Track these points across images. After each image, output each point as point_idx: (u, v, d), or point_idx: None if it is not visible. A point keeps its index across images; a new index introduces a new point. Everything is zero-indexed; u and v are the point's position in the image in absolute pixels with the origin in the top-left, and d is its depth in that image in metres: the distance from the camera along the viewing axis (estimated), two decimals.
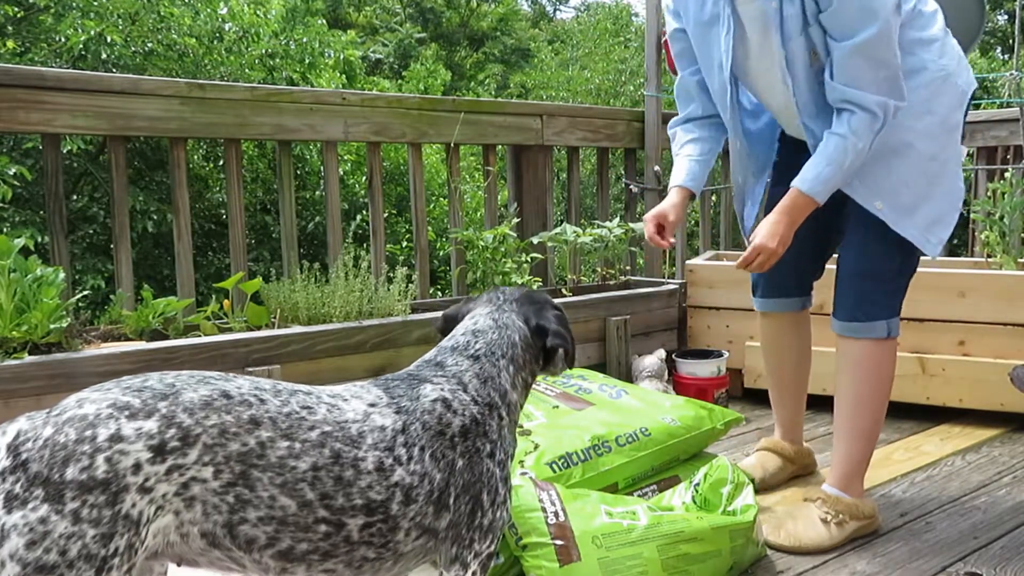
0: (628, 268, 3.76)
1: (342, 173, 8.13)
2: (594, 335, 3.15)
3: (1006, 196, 3.14)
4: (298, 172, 8.50)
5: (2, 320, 2.10)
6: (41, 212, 7.04)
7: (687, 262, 3.52)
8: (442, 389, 1.28)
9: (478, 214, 5.89)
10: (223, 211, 8.09)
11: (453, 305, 1.56)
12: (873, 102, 1.81)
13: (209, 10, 8.87)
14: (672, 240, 2.11)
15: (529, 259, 3.15)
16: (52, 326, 2.16)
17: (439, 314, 1.55)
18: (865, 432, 2.04)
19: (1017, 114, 3.48)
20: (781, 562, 1.90)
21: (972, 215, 3.54)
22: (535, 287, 3.07)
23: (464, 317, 1.46)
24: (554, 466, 1.95)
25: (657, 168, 3.76)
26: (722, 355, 3.11)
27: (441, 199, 8.51)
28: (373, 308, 2.73)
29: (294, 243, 2.94)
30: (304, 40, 9.52)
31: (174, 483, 1.06)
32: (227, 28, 9.13)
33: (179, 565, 1.16)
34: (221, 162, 8.24)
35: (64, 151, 6.09)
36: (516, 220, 3.25)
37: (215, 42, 8.97)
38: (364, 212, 7.65)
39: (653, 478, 2.16)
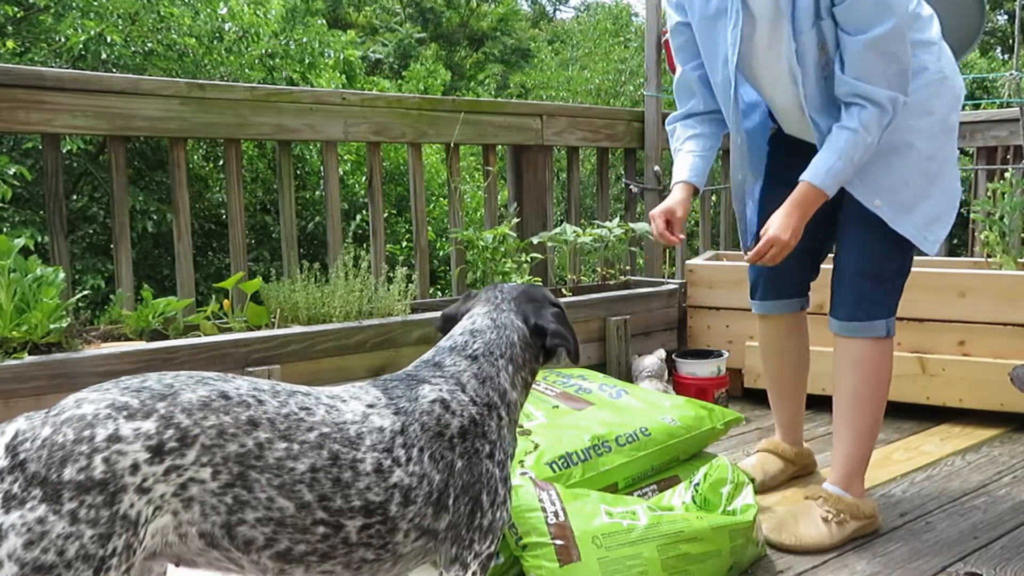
0: (628, 268, 3.76)
1: (342, 173, 8.13)
2: (594, 335, 3.15)
3: (1006, 196, 3.14)
4: (298, 172, 8.50)
5: (2, 320, 2.10)
6: (41, 212, 7.05)
7: (687, 262, 3.52)
8: (440, 390, 1.28)
9: (478, 214, 5.89)
10: (223, 211, 8.09)
11: (452, 304, 1.55)
12: (884, 96, 1.82)
13: (209, 10, 8.87)
14: (681, 236, 2.11)
15: (529, 259, 3.15)
16: (52, 326, 2.16)
17: (439, 314, 1.55)
18: (865, 431, 2.05)
19: (1017, 114, 3.48)
20: (781, 562, 1.90)
21: (972, 215, 3.54)
22: None
23: (463, 316, 1.46)
24: (554, 466, 1.95)
25: (657, 168, 3.76)
26: (722, 355, 3.11)
27: (441, 199, 8.51)
28: (373, 308, 2.73)
29: (294, 243, 2.94)
30: (304, 40, 9.52)
31: (172, 484, 1.06)
32: (227, 28, 9.13)
33: (177, 565, 1.16)
34: (221, 162, 8.24)
35: (64, 151, 6.09)
36: (516, 220, 3.25)
37: (215, 42, 8.97)
38: (364, 212, 7.65)
39: (653, 478, 2.15)
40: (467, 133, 3.25)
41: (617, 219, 3.51)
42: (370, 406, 1.23)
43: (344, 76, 9.98)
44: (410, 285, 2.83)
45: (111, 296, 2.59)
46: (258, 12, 9.29)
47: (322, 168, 4.35)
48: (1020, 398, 2.59)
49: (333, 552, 1.17)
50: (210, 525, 1.09)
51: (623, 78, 14.07)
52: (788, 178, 2.07)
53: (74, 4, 8.25)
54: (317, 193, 8.82)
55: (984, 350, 2.85)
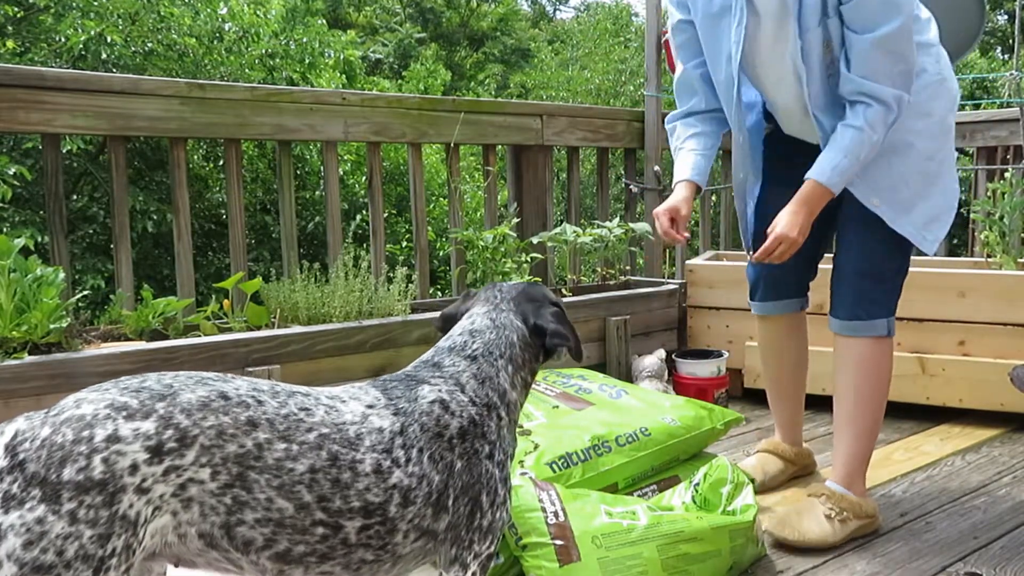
0: (628, 268, 3.76)
1: (342, 173, 8.13)
2: (594, 335, 3.15)
3: (1006, 196, 3.14)
4: (298, 172, 8.50)
5: (2, 320, 2.10)
6: (41, 212, 7.05)
7: (687, 262, 3.52)
8: (439, 390, 1.28)
9: (478, 214, 5.89)
10: (223, 211, 8.09)
11: (452, 304, 1.55)
12: (890, 95, 1.84)
13: (209, 10, 8.87)
14: (686, 234, 2.11)
15: (529, 259, 3.15)
16: (52, 326, 2.16)
17: (439, 314, 1.55)
18: (867, 430, 2.05)
19: (1017, 114, 3.48)
20: (781, 562, 1.90)
21: (972, 215, 3.54)
22: None
23: (462, 316, 1.45)
24: (554, 466, 1.95)
25: (657, 168, 3.76)
26: (722, 355, 3.11)
27: (441, 199, 8.51)
28: (373, 308, 2.73)
29: (294, 243, 2.94)
30: (304, 40, 9.52)
31: (171, 484, 1.06)
32: (227, 28, 9.13)
33: (177, 566, 1.16)
34: (221, 162, 8.24)
35: (64, 151, 6.09)
36: (516, 220, 3.25)
37: (215, 42, 8.97)
38: (364, 212, 7.65)
39: (653, 478, 2.15)
40: (467, 133, 3.25)
41: (617, 219, 3.51)
42: (369, 407, 1.23)
43: (344, 76, 9.98)
44: (410, 285, 2.83)
45: (111, 296, 2.59)
46: (258, 12, 9.29)
47: (322, 168, 4.35)
48: (1020, 398, 2.59)
49: (332, 553, 1.17)
50: (209, 525, 1.09)
51: (623, 78, 14.07)
52: (786, 178, 2.08)
53: (74, 4, 8.25)
54: (317, 193, 8.82)
55: (984, 350, 2.85)
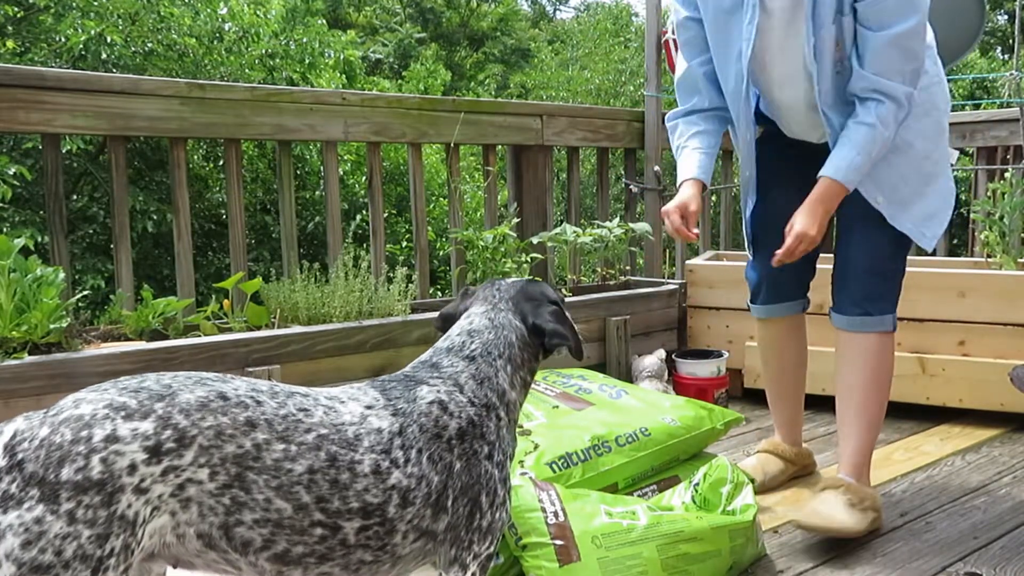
0: (628, 268, 3.76)
1: (342, 173, 8.13)
2: (594, 335, 3.15)
3: (1006, 196, 3.14)
4: (298, 172, 8.50)
5: (2, 320, 2.10)
6: (41, 212, 7.05)
7: (687, 262, 3.52)
8: (438, 391, 1.27)
9: (478, 214, 5.89)
10: (223, 211, 8.10)
11: (451, 302, 1.54)
12: (901, 92, 1.86)
13: (209, 10, 8.87)
14: (697, 231, 2.11)
15: (529, 259, 3.15)
16: (52, 326, 2.16)
17: (438, 313, 1.54)
18: (873, 423, 2.07)
19: (1017, 114, 3.48)
20: (781, 562, 1.90)
21: (972, 215, 3.54)
22: None
23: (461, 315, 1.45)
24: (554, 466, 1.95)
25: (657, 168, 3.76)
26: (722, 355, 3.11)
27: (441, 199, 8.51)
28: (373, 308, 2.73)
29: (294, 243, 2.94)
30: (304, 40, 9.52)
31: (170, 484, 1.06)
32: (227, 28, 9.13)
33: (175, 567, 1.16)
34: (221, 162, 8.24)
35: (64, 151, 6.09)
36: (516, 220, 3.25)
37: (215, 42, 8.97)
38: (364, 212, 7.65)
39: (653, 478, 2.15)
40: (467, 133, 3.25)
41: (617, 219, 3.51)
42: (368, 407, 1.23)
43: (344, 76, 9.98)
44: (410, 285, 2.83)
45: (111, 296, 2.59)
46: (258, 12, 9.29)
47: (322, 168, 4.35)
48: (1020, 398, 2.59)
49: (331, 554, 1.16)
50: (208, 526, 1.09)
51: (623, 78, 14.07)
52: (783, 179, 2.09)
53: (74, 4, 8.25)
54: (317, 193, 8.82)
55: (984, 350, 2.85)
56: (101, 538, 1.00)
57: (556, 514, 1.68)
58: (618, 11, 18.81)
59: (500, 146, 3.53)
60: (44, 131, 2.47)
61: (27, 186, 6.88)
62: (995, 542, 1.98)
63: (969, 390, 2.86)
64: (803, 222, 1.91)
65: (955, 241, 4.32)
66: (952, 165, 2.16)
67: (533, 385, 1.98)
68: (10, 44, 7.80)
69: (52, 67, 5.63)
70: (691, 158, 2.11)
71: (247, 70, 8.98)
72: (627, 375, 3.14)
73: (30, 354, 2.12)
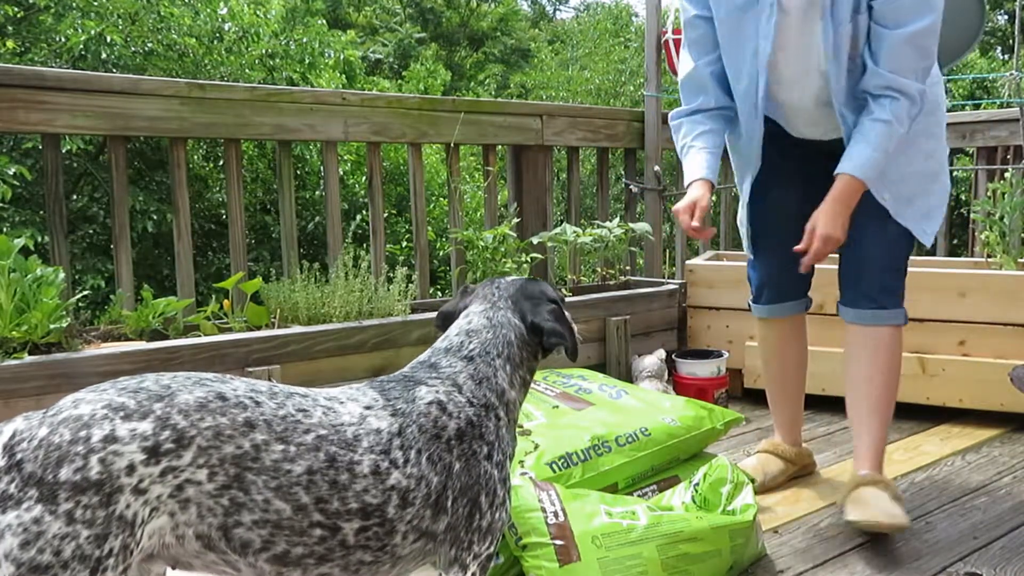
0: (628, 268, 3.76)
1: (342, 173, 8.13)
2: (594, 335, 3.15)
3: (1006, 196, 3.14)
4: (298, 172, 8.51)
5: (2, 320, 2.10)
6: (41, 212, 7.05)
7: (687, 262, 3.52)
8: (437, 391, 1.27)
9: (478, 214, 5.89)
10: (223, 211, 8.10)
11: (450, 300, 1.54)
12: (915, 89, 1.88)
13: (209, 10, 8.87)
14: (712, 229, 2.10)
15: (529, 259, 3.15)
16: (52, 326, 2.16)
17: (437, 311, 1.54)
18: (888, 416, 2.10)
19: (1017, 114, 3.48)
20: (781, 562, 1.90)
21: (972, 215, 3.54)
22: None
23: (460, 313, 1.45)
24: (554, 466, 1.95)
25: (657, 168, 3.76)
26: (722, 355, 3.11)
27: (441, 199, 8.51)
28: (373, 308, 2.73)
29: (294, 243, 2.94)
30: (304, 40, 9.52)
31: (168, 485, 1.06)
32: (227, 28, 9.13)
33: (174, 568, 1.15)
34: (221, 162, 8.24)
35: (64, 151, 6.09)
36: (516, 220, 3.25)
37: (215, 42, 8.97)
38: (364, 212, 7.65)
39: (653, 478, 2.15)
40: (467, 133, 3.25)
41: (617, 219, 3.51)
42: (367, 408, 1.22)
43: (344, 76, 9.98)
44: (410, 285, 2.83)
45: (111, 296, 2.59)
46: (258, 12, 9.29)
47: (322, 168, 4.35)
48: (1020, 398, 2.59)
49: (331, 554, 1.16)
50: (207, 527, 1.09)
51: (623, 78, 14.08)
52: (783, 179, 2.10)
53: (74, 4, 8.25)
54: (317, 193, 8.82)
55: (984, 350, 2.85)
56: (100, 538, 1.00)
57: (556, 514, 1.68)
58: (618, 11, 18.82)
59: (500, 146, 3.53)
60: (44, 131, 2.47)
61: (27, 186, 6.89)
62: (995, 542, 1.98)
63: (969, 390, 2.86)
64: (827, 223, 1.92)
65: (955, 241, 4.32)
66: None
67: (533, 385, 1.98)
68: (10, 44, 7.81)
69: (52, 67, 5.63)
70: (698, 158, 2.10)
71: (247, 70, 8.98)
72: (627, 375, 3.14)
73: (30, 354, 2.12)
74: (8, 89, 2.34)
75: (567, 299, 3.10)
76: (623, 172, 3.95)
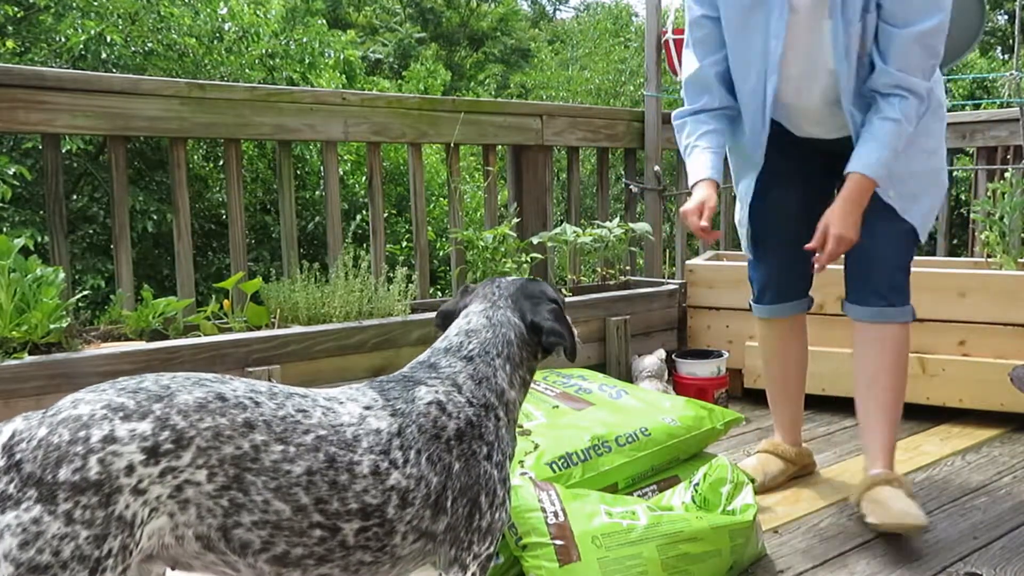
0: (628, 268, 3.76)
1: (342, 173, 8.13)
2: (594, 335, 3.15)
3: (1006, 196, 3.14)
4: (298, 172, 8.50)
5: (2, 320, 2.10)
6: (41, 212, 7.05)
7: (687, 262, 3.51)
8: (436, 392, 1.27)
9: (478, 214, 5.89)
10: (223, 211, 8.10)
11: (450, 299, 1.54)
12: (923, 88, 1.89)
13: (209, 10, 8.87)
14: (719, 231, 2.11)
15: (529, 259, 3.15)
16: (52, 326, 2.16)
17: (438, 310, 1.54)
18: (898, 413, 2.11)
19: (1017, 114, 3.48)
20: (781, 562, 1.90)
21: (972, 215, 3.54)
22: None
23: (460, 312, 1.44)
24: (554, 466, 1.95)
25: (657, 168, 3.76)
26: (722, 355, 3.11)
27: (441, 199, 8.51)
28: (373, 308, 2.73)
29: (294, 243, 2.94)
30: (304, 40, 9.52)
31: (168, 485, 1.06)
32: (227, 28, 9.13)
33: (174, 568, 1.15)
34: (221, 162, 8.24)
35: (64, 151, 6.09)
36: (516, 220, 3.25)
37: (215, 42, 8.97)
38: (364, 212, 7.65)
39: (653, 478, 2.15)
40: (467, 133, 3.25)
41: (617, 219, 3.51)
42: (367, 408, 1.22)
43: (344, 76, 9.98)
44: (410, 285, 2.83)
45: (111, 296, 2.59)
46: (258, 12, 9.29)
47: (322, 168, 4.35)
48: (1020, 398, 2.59)
49: (330, 555, 1.16)
50: (206, 528, 1.09)
51: (623, 78, 14.08)
52: (785, 179, 2.10)
53: (74, 4, 8.25)
54: (317, 193, 8.82)
55: (984, 350, 2.85)
56: (99, 539, 1.00)
57: (556, 514, 1.68)
58: (618, 11, 18.82)
59: (500, 146, 3.53)
60: (44, 131, 2.47)
61: (27, 186, 6.89)
62: (995, 542, 1.98)
63: (969, 390, 2.86)
64: (841, 223, 1.93)
65: (955, 241, 4.32)
66: None
67: (533, 385, 1.98)
68: (10, 44, 7.81)
69: (52, 67, 5.63)
70: (702, 157, 2.09)
71: (247, 70, 8.98)
72: (627, 375, 3.14)
73: (30, 354, 2.12)
74: (8, 89, 2.34)
75: (567, 299, 3.11)
76: (623, 172, 3.95)
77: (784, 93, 2.06)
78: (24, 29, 8.54)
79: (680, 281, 3.52)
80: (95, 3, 8.24)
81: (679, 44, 3.57)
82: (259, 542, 1.12)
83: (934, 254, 3.82)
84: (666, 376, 3.05)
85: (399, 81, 13.26)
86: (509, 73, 18.03)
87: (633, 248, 3.72)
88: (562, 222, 3.51)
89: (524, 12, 22.48)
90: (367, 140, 3.08)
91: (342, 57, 10.08)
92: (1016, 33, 3.62)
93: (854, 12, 1.88)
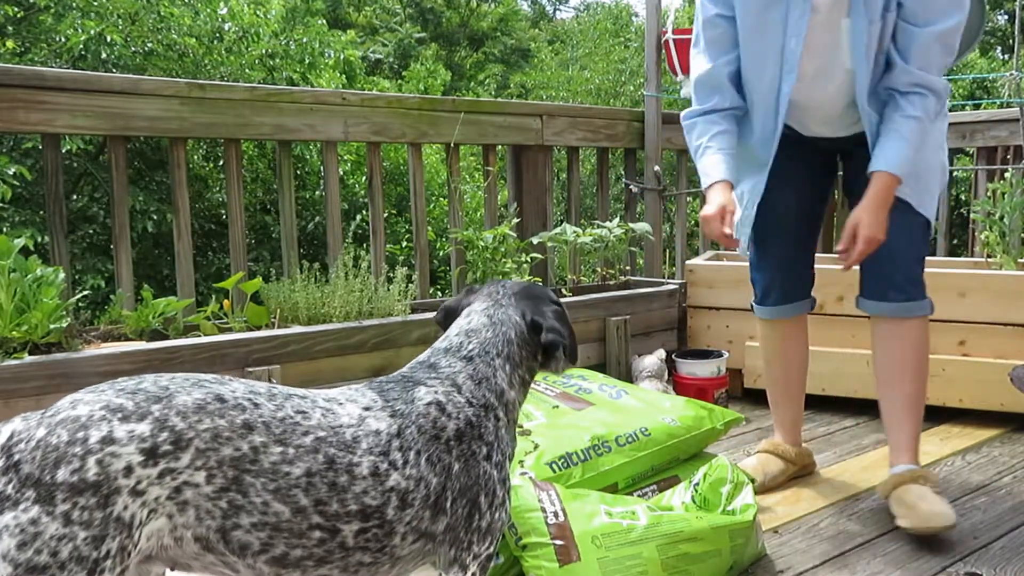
0: (628, 268, 3.76)
1: (342, 173, 8.13)
2: (594, 335, 3.15)
3: (1006, 196, 3.14)
4: (298, 172, 8.50)
5: (2, 320, 2.10)
6: (41, 212, 7.05)
7: (687, 262, 3.51)
8: (436, 392, 1.27)
9: (478, 214, 5.89)
10: (223, 211, 8.10)
11: (454, 297, 1.53)
12: (941, 85, 1.92)
13: (209, 10, 8.87)
14: (740, 239, 2.09)
15: (529, 259, 3.15)
16: (52, 326, 2.16)
17: (441, 306, 1.53)
18: (922, 408, 2.12)
19: (1017, 114, 3.48)
20: (781, 561, 1.90)
21: (972, 215, 3.54)
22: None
23: (463, 310, 1.44)
24: (554, 466, 1.95)
25: (657, 168, 3.76)
26: (722, 355, 3.11)
27: (441, 199, 8.51)
28: (373, 308, 2.73)
29: (294, 243, 2.94)
30: (304, 40, 9.52)
31: (166, 487, 1.05)
32: (227, 28, 9.13)
33: (173, 569, 1.15)
34: (221, 162, 8.24)
35: (64, 151, 6.09)
36: (516, 220, 3.25)
37: (215, 42, 8.97)
38: (364, 212, 7.65)
39: (653, 478, 2.15)
40: (467, 133, 3.25)
41: (617, 219, 3.51)
42: (366, 409, 1.22)
43: (344, 76, 9.98)
44: (410, 285, 2.83)
45: (111, 296, 2.60)
46: (258, 12, 9.29)
47: (322, 168, 4.35)
48: (1020, 398, 2.59)
49: (330, 556, 1.16)
50: (205, 529, 1.09)
51: (623, 78, 14.08)
52: (791, 178, 2.13)
53: (74, 4, 8.25)
54: (317, 193, 8.82)
55: (984, 350, 2.85)
56: (97, 540, 1.00)
57: (556, 514, 1.68)
58: (618, 11, 18.82)
59: (500, 146, 3.53)
60: (44, 131, 2.47)
61: (27, 186, 6.89)
62: (995, 542, 1.98)
63: (969, 390, 2.86)
64: (872, 224, 1.93)
65: (955, 241, 4.32)
66: None
67: (533, 385, 1.98)
68: (10, 44, 7.81)
69: (52, 67, 5.63)
70: (715, 159, 2.06)
71: (247, 70, 8.98)
72: (627, 375, 3.14)
73: (30, 354, 2.12)
74: (8, 89, 2.34)
75: (567, 299, 3.11)
76: (623, 172, 3.95)
77: (797, 92, 2.05)
78: (24, 29, 8.54)
79: (680, 281, 3.52)
80: (95, 3, 8.24)
81: (679, 44, 3.57)
82: (258, 543, 1.12)
83: (934, 254, 3.82)
84: (666, 376, 3.05)
85: (399, 81, 13.26)
86: (509, 73, 18.03)
87: (633, 248, 3.72)
88: (562, 222, 3.51)
89: (524, 12, 22.48)
90: (367, 140, 3.08)
91: (342, 57, 10.08)
92: (1016, 33, 3.62)
93: (875, 11, 1.89)
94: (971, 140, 3.82)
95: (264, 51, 9.12)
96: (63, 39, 8.12)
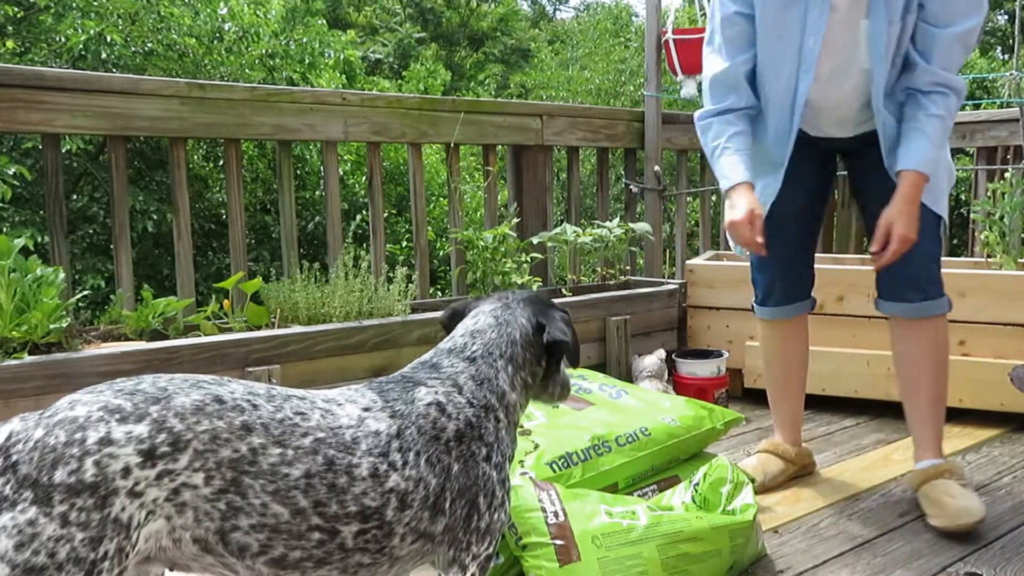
0: (628, 268, 3.76)
1: (342, 173, 8.13)
2: (594, 335, 3.15)
3: (1006, 196, 3.14)
4: (298, 172, 8.50)
5: (2, 320, 2.10)
6: (41, 212, 7.05)
7: (687, 262, 3.51)
8: (436, 392, 1.27)
9: (478, 214, 5.89)
10: (223, 211, 8.09)
11: (452, 302, 1.54)
12: (962, 85, 1.94)
13: (209, 10, 8.87)
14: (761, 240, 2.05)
15: (529, 259, 3.15)
16: (52, 326, 2.16)
17: (440, 313, 1.53)
18: (945, 403, 2.17)
19: (1017, 114, 3.48)
20: (781, 561, 1.90)
21: (972, 215, 3.54)
22: (535, 287, 3.07)
23: (469, 312, 1.44)
24: (554, 466, 1.95)
25: (657, 168, 3.76)
26: (722, 355, 3.11)
27: (441, 199, 8.51)
28: (373, 308, 2.73)
29: (294, 243, 2.94)
30: (304, 40, 9.52)
31: (164, 488, 1.05)
32: (227, 28, 9.13)
33: (172, 570, 1.15)
34: (221, 162, 8.24)
35: (64, 151, 6.09)
36: (516, 220, 3.25)
37: (215, 42, 8.97)
38: (364, 212, 7.65)
39: (653, 478, 2.15)
40: (467, 133, 3.25)
41: (617, 219, 3.51)
42: (366, 409, 1.22)
43: (344, 76, 9.98)
44: (410, 285, 2.83)
45: (111, 296, 2.59)
46: (258, 12, 9.29)
47: (322, 168, 4.35)
48: (1020, 398, 2.59)
49: (329, 558, 1.16)
50: (204, 531, 1.09)
51: (623, 78, 14.07)
52: (799, 179, 2.14)
53: (74, 4, 8.25)
54: (317, 193, 8.82)
55: (984, 350, 2.85)
56: (95, 541, 1.00)
57: (556, 514, 1.68)
58: (618, 11, 18.82)
59: (500, 146, 3.53)
60: (44, 131, 2.47)
61: (27, 186, 6.89)
62: (995, 542, 1.98)
63: (969, 390, 2.85)
64: (906, 224, 1.94)
65: (955, 241, 4.32)
66: None
67: None
68: (10, 44, 7.81)
69: (52, 67, 5.63)
70: (734, 160, 2.04)
71: (247, 70, 8.98)
72: (627, 375, 3.14)
73: (30, 354, 2.12)
74: (8, 89, 2.34)
75: (567, 299, 3.11)
76: (623, 172, 3.95)
77: (812, 91, 2.04)
78: (24, 29, 8.54)
79: (680, 281, 3.52)
80: (95, 3, 8.24)
81: (679, 44, 3.57)
82: (257, 545, 1.12)
83: None
84: (666, 376, 3.05)
85: (399, 81, 13.26)
86: (509, 73, 18.03)
87: (633, 248, 3.72)
88: (562, 222, 3.51)
89: (524, 12, 22.48)
90: (367, 140, 3.08)
91: (342, 57, 10.08)
92: (1016, 33, 3.61)
93: (895, 12, 1.90)
94: (971, 140, 3.81)
95: (264, 51, 9.12)
96: (63, 39, 8.12)
